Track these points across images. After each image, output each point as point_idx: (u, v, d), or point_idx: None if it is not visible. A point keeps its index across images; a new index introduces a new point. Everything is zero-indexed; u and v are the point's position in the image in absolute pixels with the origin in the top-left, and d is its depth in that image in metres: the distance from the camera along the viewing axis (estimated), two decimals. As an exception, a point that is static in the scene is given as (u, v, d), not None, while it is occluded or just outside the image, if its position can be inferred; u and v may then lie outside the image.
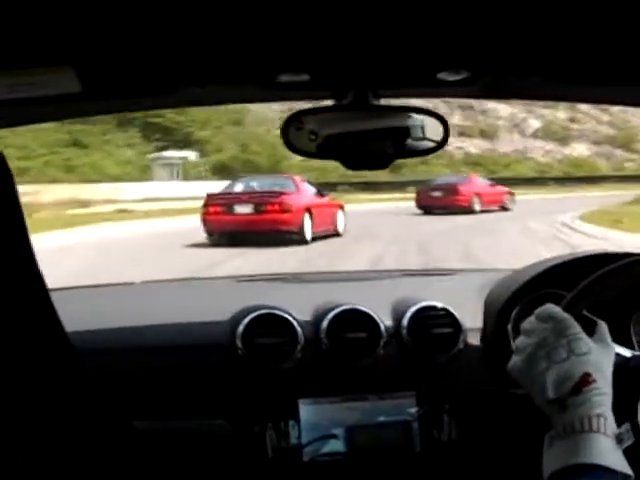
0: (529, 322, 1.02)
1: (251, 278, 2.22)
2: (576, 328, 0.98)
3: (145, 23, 0.95)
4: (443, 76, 1.21)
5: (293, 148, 1.26)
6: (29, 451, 0.95)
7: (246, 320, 1.59)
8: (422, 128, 1.27)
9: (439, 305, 1.66)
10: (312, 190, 13.85)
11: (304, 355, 1.60)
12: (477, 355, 1.65)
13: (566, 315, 0.99)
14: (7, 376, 0.91)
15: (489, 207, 19.99)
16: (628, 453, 0.90)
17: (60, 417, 0.98)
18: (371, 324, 1.62)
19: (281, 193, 12.71)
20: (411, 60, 1.18)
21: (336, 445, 1.56)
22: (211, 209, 12.68)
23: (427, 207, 19.52)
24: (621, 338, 1.52)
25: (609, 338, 1.01)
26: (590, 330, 1.01)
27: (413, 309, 1.65)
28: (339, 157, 1.28)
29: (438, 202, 19.44)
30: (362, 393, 1.59)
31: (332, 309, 1.63)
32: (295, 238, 12.05)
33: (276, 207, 12.33)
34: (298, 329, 1.59)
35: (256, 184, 14.31)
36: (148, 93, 1.24)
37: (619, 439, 0.89)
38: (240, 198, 12.89)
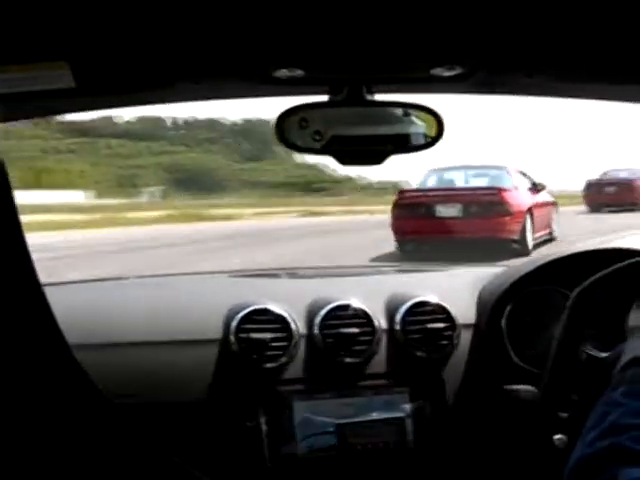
0: None
1: (244, 273, 2.22)
2: None
3: (139, 18, 0.95)
4: (437, 72, 1.21)
5: (288, 143, 1.26)
6: (20, 441, 0.95)
7: (239, 315, 1.59)
8: (417, 124, 1.27)
9: (433, 301, 1.66)
10: (527, 184, 10.44)
11: (298, 350, 1.60)
12: (471, 350, 1.65)
13: None
14: None
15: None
16: None
17: (51, 410, 0.98)
18: (365, 320, 1.62)
19: (499, 190, 9.34)
20: (405, 56, 1.18)
21: (330, 441, 1.56)
22: (403, 210, 9.43)
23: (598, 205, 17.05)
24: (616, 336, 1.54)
25: None
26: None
27: (407, 305, 1.65)
28: (333, 153, 1.28)
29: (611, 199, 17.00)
30: (356, 389, 1.60)
31: (326, 305, 1.63)
32: (515, 248, 8.99)
33: (495, 208, 9.08)
34: (292, 324, 1.59)
35: (457, 177, 10.77)
36: (142, 89, 1.23)
37: None
38: (445, 196, 9.45)
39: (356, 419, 1.57)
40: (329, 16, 0.98)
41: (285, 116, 1.24)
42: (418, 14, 0.98)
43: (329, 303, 1.63)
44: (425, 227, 9.04)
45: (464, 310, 1.68)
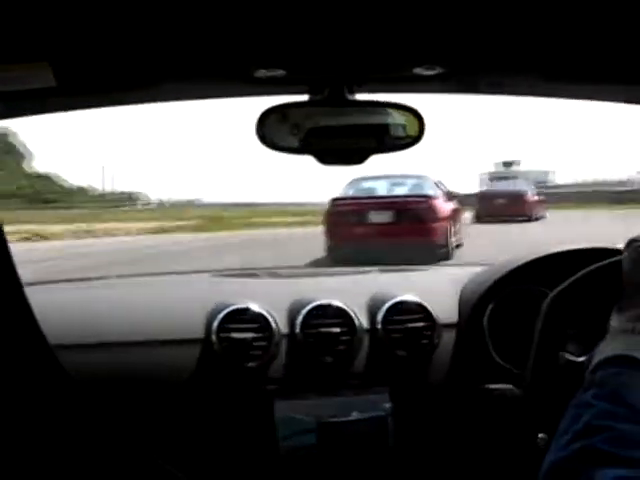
0: None
1: (226, 273, 2.22)
2: None
3: (121, 19, 0.95)
4: (419, 71, 1.21)
5: (269, 143, 1.26)
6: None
7: (221, 315, 1.58)
8: (398, 124, 1.28)
9: (414, 300, 1.67)
10: (443, 192, 11.12)
11: (279, 350, 1.60)
12: (452, 350, 1.66)
13: None
14: None
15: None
16: None
17: (31, 410, 0.98)
18: (346, 319, 1.62)
19: (428, 197, 9.97)
20: (387, 55, 1.18)
21: (311, 440, 1.56)
22: (337, 217, 9.82)
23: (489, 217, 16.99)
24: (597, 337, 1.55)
25: None
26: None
27: (388, 304, 1.65)
28: (315, 153, 1.28)
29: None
30: (337, 388, 1.60)
31: (307, 304, 1.63)
32: (441, 252, 9.46)
33: (424, 215, 9.62)
34: (273, 324, 1.59)
35: (379, 186, 11.08)
36: (123, 89, 1.23)
37: None
38: (377, 203, 9.94)
39: (337, 418, 1.57)
40: (310, 16, 0.98)
41: (265, 116, 1.24)
42: (399, 14, 0.99)
43: (310, 303, 1.63)
44: (358, 233, 9.47)
45: (445, 309, 1.68)
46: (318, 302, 1.63)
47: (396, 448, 1.59)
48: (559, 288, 1.22)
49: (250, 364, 1.57)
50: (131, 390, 1.53)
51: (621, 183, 31.67)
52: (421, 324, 1.64)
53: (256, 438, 1.56)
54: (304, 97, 1.28)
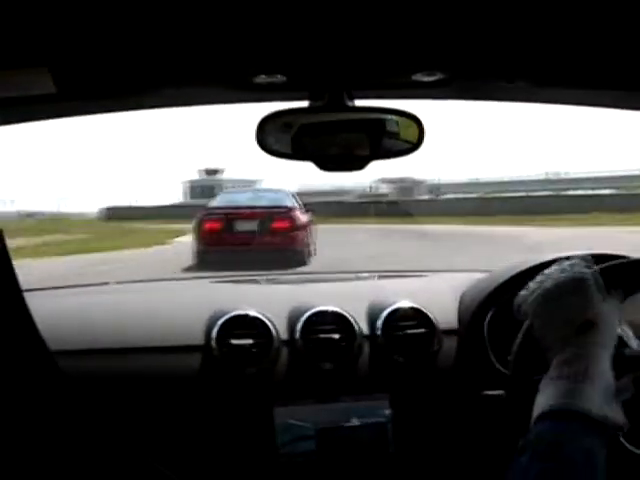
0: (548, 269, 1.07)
1: (225, 279, 2.21)
2: (592, 285, 1.02)
3: (120, 25, 0.95)
4: (418, 77, 1.21)
5: (269, 149, 1.25)
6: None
7: (220, 321, 1.58)
8: (398, 130, 1.28)
9: (413, 306, 1.66)
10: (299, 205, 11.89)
11: (279, 356, 1.59)
12: (452, 356, 1.66)
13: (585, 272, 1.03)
14: None
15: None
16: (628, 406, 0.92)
17: (32, 416, 0.97)
18: (345, 325, 1.62)
19: (289, 208, 10.81)
20: (386, 61, 1.18)
21: (310, 446, 1.56)
22: (207, 225, 10.51)
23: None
24: None
25: (620, 303, 1.04)
26: None
27: (387, 310, 1.65)
28: (315, 159, 1.28)
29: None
30: (336, 394, 1.59)
31: (307, 310, 1.63)
32: (301, 258, 10.18)
33: (286, 224, 10.42)
34: (273, 330, 1.59)
35: (242, 198, 11.96)
36: (122, 95, 1.23)
37: (618, 391, 0.91)
38: (243, 214, 10.65)
39: (337, 424, 1.57)
40: (309, 22, 0.98)
41: (264, 122, 1.24)
42: (398, 20, 0.99)
43: (310, 309, 1.63)
44: (227, 240, 10.18)
45: (445, 315, 1.68)
46: (318, 308, 1.63)
47: (396, 454, 1.58)
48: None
49: (250, 370, 1.57)
50: (131, 396, 1.53)
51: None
52: (421, 330, 1.64)
53: (256, 444, 1.55)
54: (304, 103, 1.28)
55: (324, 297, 1.70)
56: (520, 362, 1.22)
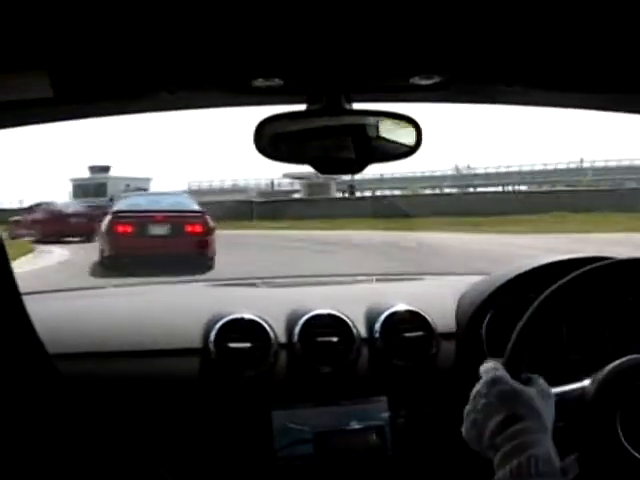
0: (476, 387, 1.07)
1: (223, 282, 2.21)
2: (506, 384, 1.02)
3: (118, 28, 0.94)
4: (416, 81, 1.21)
5: (266, 153, 1.25)
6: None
7: (218, 325, 1.58)
8: (396, 133, 1.28)
9: (411, 309, 1.66)
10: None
11: (277, 360, 1.59)
12: (450, 359, 1.66)
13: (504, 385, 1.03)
14: None
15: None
16: None
17: (30, 419, 0.97)
18: (344, 329, 1.62)
19: (202, 212, 10.90)
20: (384, 65, 1.18)
21: (309, 449, 1.56)
22: (120, 228, 10.33)
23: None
24: (595, 344, 1.55)
25: (546, 386, 1.04)
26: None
27: (385, 313, 1.65)
28: (313, 162, 1.28)
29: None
30: (335, 398, 1.59)
31: (305, 314, 1.63)
32: (210, 263, 10.21)
33: (200, 228, 10.48)
34: (271, 334, 1.59)
35: (142, 201, 11.69)
36: (121, 98, 1.23)
37: (563, 472, 0.89)
38: (154, 217, 10.56)
39: (335, 428, 1.57)
40: (307, 25, 0.98)
41: (262, 125, 1.24)
42: (396, 23, 0.99)
43: (308, 312, 1.63)
44: (138, 244, 10.00)
45: (443, 319, 1.68)
46: (316, 311, 1.63)
47: (394, 458, 1.58)
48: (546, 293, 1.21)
49: (248, 374, 1.57)
50: (129, 399, 1.53)
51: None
52: (419, 333, 1.64)
53: (254, 448, 1.55)
54: (302, 107, 1.28)
55: (322, 300, 1.70)
56: (514, 363, 1.22)
